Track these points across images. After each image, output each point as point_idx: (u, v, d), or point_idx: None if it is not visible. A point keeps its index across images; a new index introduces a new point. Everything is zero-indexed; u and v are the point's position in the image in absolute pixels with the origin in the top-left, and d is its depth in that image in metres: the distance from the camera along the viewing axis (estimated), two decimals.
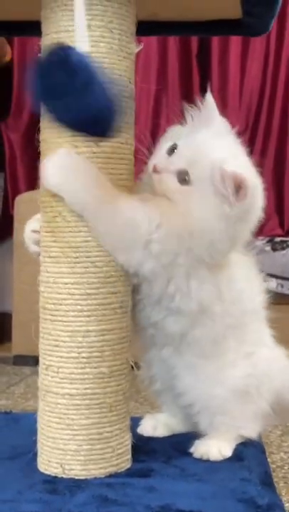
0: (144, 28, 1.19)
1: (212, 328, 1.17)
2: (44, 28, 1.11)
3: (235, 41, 3.57)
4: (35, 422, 1.17)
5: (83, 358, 1.09)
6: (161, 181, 1.12)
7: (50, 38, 1.10)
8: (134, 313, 1.17)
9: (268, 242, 3.21)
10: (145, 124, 3.47)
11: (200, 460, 1.18)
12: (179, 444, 1.23)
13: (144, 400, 2.06)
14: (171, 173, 1.11)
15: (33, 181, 3.60)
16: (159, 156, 1.14)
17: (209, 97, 1.16)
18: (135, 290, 1.15)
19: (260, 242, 3.69)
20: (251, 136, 3.67)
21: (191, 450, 1.21)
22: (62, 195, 1.08)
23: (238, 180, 1.07)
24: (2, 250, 3.72)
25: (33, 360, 2.95)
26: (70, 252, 1.09)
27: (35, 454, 1.15)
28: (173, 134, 1.17)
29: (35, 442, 1.16)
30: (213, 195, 1.09)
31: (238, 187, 1.07)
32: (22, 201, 2.98)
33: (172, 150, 1.14)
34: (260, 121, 3.59)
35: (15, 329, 3.00)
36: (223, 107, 3.62)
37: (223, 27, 1.29)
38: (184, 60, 3.47)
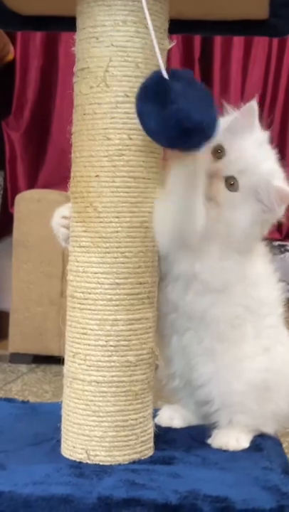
0: (170, 27, 1.21)
1: (231, 308, 1.22)
2: (80, 23, 1.13)
3: (237, 45, 3.61)
4: (53, 410, 1.18)
5: (111, 346, 1.11)
6: (212, 186, 1.18)
7: (85, 31, 1.12)
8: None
9: (265, 246, 3.25)
10: None
11: (219, 450, 1.20)
12: (198, 434, 1.26)
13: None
14: (221, 178, 1.19)
15: (32, 180, 3.62)
16: (207, 158, 1.19)
17: (254, 103, 1.23)
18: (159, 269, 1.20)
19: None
20: None
21: (209, 441, 1.23)
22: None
23: (282, 194, 1.18)
24: (1, 248, 3.73)
25: (30, 358, 2.98)
26: (100, 242, 1.11)
27: (58, 441, 1.16)
28: None
29: (56, 429, 1.18)
30: (255, 202, 1.19)
31: (281, 200, 1.18)
32: (22, 199, 3.00)
33: (217, 151, 1.20)
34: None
35: (12, 327, 3.02)
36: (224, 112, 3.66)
37: (248, 27, 1.31)
38: (187, 64, 3.49)
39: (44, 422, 1.26)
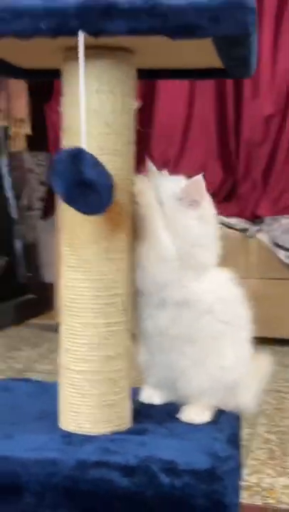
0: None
1: (214, 326, 1.49)
2: (64, 90, 1.42)
3: (268, 26, 3.79)
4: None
5: (93, 344, 1.42)
6: None
7: (68, 98, 1.40)
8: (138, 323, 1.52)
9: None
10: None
11: (186, 423, 1.50)
12: (171, 410, 1.55)
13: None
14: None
15: None
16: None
17: (151, 166, 1.54)
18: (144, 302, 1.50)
19: (287, 220, 3.94)
20: (281, 120, 3.89)
21: (178, 415, 1.53)
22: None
23: (192, 181, 1.46)
24: (48, 225, 4.04)
25: None
26: (83, 263, 1.42)
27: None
28: None
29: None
30: (185, 209, 1.45)
31: (195, 186, 1.45)
32: None
33: None
34: None
35: (58, 298, 3.33)
36: (255, 91, 3.85)
37: (212, 73, 1.58)
38: None
39: (50, 400, 1.56)
